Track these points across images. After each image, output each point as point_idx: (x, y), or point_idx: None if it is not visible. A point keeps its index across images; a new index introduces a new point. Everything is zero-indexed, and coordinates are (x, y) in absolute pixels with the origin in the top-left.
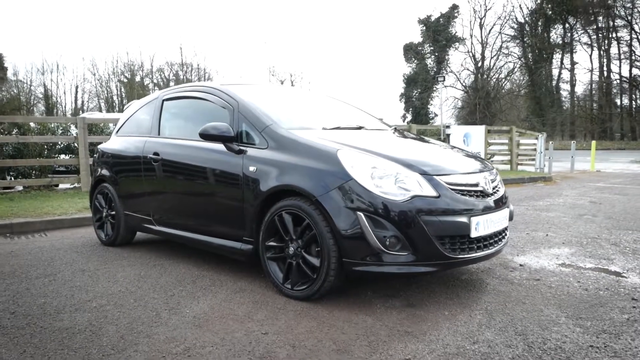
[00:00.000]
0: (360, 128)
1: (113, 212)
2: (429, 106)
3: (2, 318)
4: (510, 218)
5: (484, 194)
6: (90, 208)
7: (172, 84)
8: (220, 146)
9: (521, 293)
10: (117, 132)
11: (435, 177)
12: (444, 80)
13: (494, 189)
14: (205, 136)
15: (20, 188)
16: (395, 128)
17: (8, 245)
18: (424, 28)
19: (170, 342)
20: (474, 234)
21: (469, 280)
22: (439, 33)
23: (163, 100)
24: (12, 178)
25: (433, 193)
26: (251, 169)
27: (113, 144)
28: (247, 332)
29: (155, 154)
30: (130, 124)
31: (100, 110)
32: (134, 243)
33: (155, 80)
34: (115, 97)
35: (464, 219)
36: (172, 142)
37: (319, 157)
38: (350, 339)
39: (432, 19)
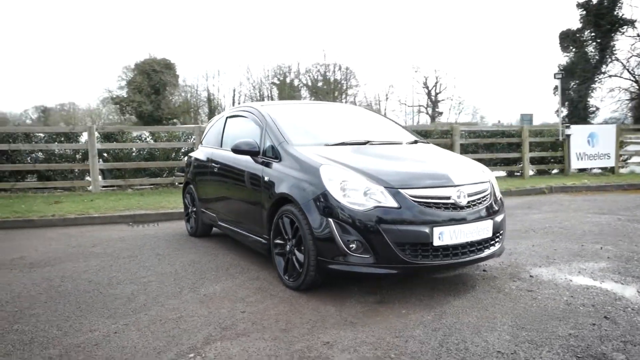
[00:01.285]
0: (365, 143)
1: (194, 209)
2: (588, 99)
3: (80, 284)
4: (496, 230)
5: (455, 206)
6: (183, 205)
7: (319, 84)
8: (251, 159)
9: (496, 302)
10: (201, 142)
11: (399, 190)
12: (562, 76)
13: (470, 202)
14: (237, 151)
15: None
16: (415, 141)
17: (124, 232)
18: (584, 12)
19: (173, 311)
20: (437, 242)
21: (458, 286)
22: (601, 17)
23: (227, 118)
24: (150, 177)
25: (394, 204)
26: (266, 178)
27: (196, 153)
28: (231, 310)
29: (216, 162)
30: (208, 136)
31: None
32: (211, 235)
33: (304, 81)
34: (266, 99)
35: (424, 229)
36: (226, 153)
37: (308, 171)
38: (301, 323)
39: (594, 1)
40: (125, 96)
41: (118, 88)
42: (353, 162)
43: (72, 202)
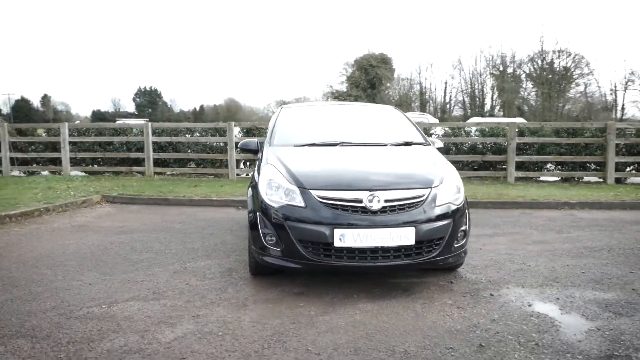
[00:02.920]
0: (337, 144)
1: None
2: None
3: (122, 249)
4: (423, 238)
5: (365, 210)
6: None
7: (544, 73)
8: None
9: (400, 311)
10: None
11: (310, 190)
12: None
13: (388, 207)
14: (243, 149)
15: None
16: (407, 142)
17: (220, 214)
18: None
19: (146, 276)
20: (337, 244)
21: (394, 293)
22: None
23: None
24: None
25: (302, 204)
26: (251, 174)
27: None
28: (182, 281)
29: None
30: None
31: (462, 104)
32: None
33: (527, 71)
34: (476, 92)
35: (323, 229)
36: None
37: (259, 169)
38: (208, 298)
39: None
40: (344, 90)
41: (338, 83)
42: (294, 163)
43: (206, 187)
